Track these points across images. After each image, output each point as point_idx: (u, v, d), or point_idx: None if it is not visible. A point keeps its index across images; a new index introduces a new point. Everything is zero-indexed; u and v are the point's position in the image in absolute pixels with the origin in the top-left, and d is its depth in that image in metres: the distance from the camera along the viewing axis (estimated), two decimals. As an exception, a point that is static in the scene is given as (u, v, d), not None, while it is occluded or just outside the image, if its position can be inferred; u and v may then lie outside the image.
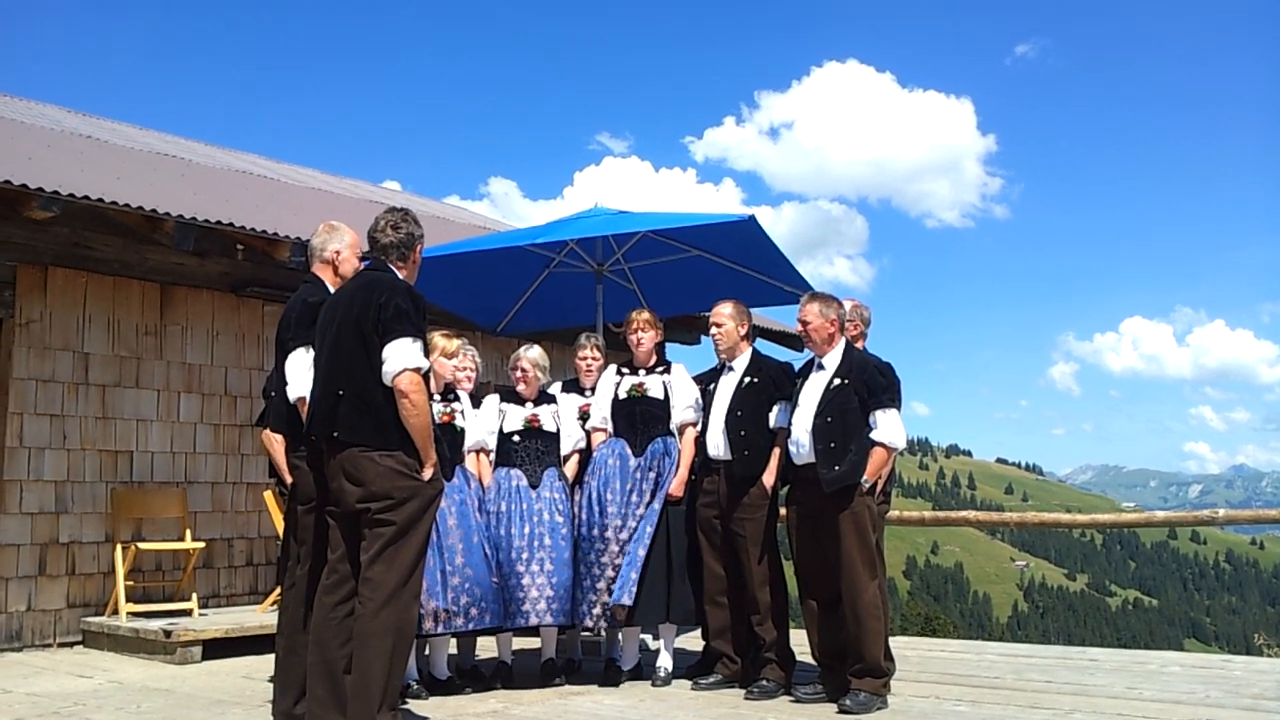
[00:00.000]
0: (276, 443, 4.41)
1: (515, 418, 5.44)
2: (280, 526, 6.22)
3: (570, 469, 5.56)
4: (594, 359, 5.71)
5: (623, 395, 5.46)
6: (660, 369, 5.55)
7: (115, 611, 6.69)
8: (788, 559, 5.22)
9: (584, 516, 5.36)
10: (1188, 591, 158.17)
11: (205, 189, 8.92)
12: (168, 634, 6.20)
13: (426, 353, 3.95)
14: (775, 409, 5.15)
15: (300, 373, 4.16)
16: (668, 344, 7.78)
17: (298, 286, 4.49)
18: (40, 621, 6.66)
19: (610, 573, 5.20)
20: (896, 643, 5.44)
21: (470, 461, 5.38)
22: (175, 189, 8.31)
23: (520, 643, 5.79)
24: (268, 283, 7.84)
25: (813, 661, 5.06)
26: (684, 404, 5.43)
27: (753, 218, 5.83)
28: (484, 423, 5.43)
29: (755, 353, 5.39)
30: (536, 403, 5.52)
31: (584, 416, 5.61)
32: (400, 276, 4.03)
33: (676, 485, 5.30)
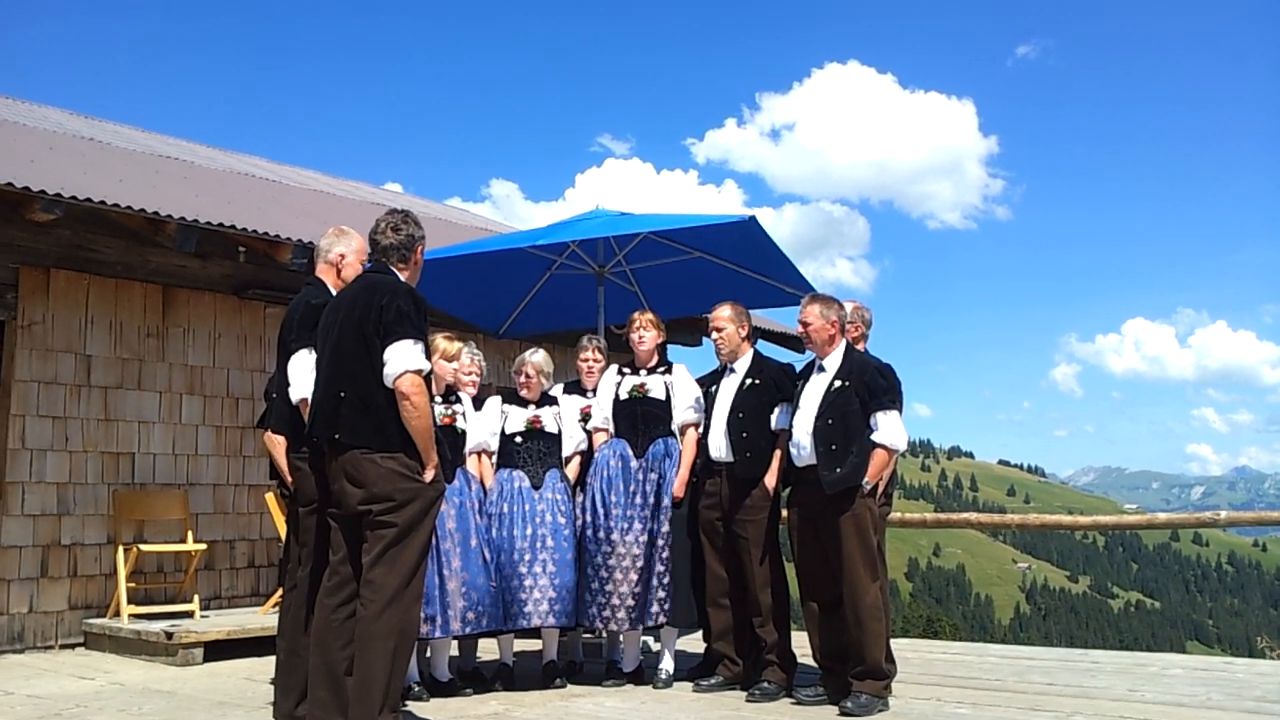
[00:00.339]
0: (278, 445, 4.42)
1: (517, 419, 5.45)
2: (282, 528, 6.23)
3: (572, 470, 5.56)
4: (596, 361, 5.72)
5: (624, 396, 5.46)
6: (661, 369, 5.55)
7: (117, 613, 6.70)
8: (789, 561, 5.21)
9: (587, 519, 5.35)
10: (1190, 594, 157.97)
11: (207, 191, 8.93)
12: (169, 636, 6.20)
13: (428, 355, 3.95)
14: (777, 411, 5.15)
15: (302, 374, 4.17)
16: (669, 346, 7.79)
17: (300, 289, 4.50)
18: (42, 623, 6.67)
19: (619, 575, 5.19)
20: (898, 645, 5.43)
21: (472, 463, 5.38)
22: (177, 191, 8.33)
23: (522, 645, 5.80)
24: (270, 285, 7.85)
25: (814, 664, 5.05)
26: (685, 404, 5.43)
27: (753, 218, 5.83)
28: (486, 424, 5.43)
29: (757, 354, 5.39)
30: (539, 404, 5.52)
31: (586, 418, 5.61)
32: (402, 278, 4.03)
33: (678, 486, 5.30)
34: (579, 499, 5.48)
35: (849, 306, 5.31)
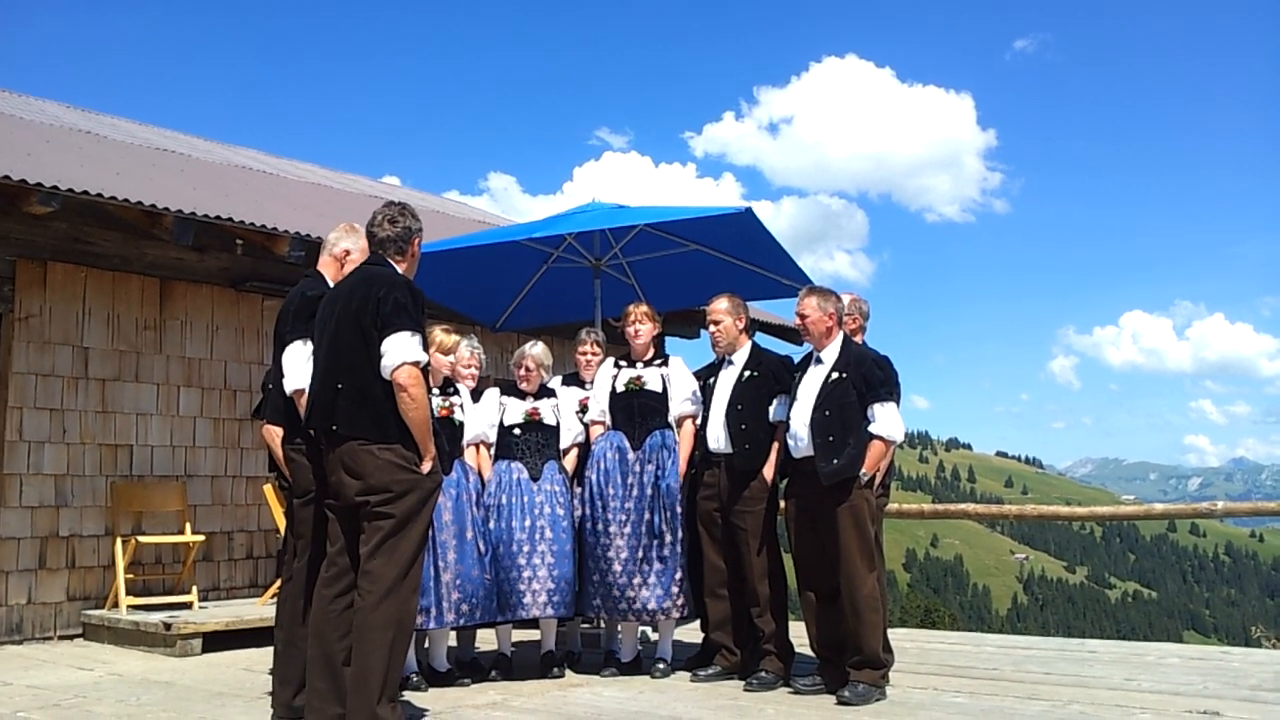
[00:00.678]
0: (276, 436, 4.42)
1: (515, 411, 5.46)
2: (281, 520, 6.24)
3: (570, 462, 5.57)
4: (594, 353, 5.73)
5: (620, 388, 5.46)
6: (658, 362, 5.55)
7: (115, 604, 6.71)
8: (787, 552, 5.23)
9: (586, 511, 5.37)
10: (1187, 584, 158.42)
11: (204, 184, 8.92)
12: (168, 627, 6.22)
13: (425, 347, 3.96)
14: (775, 403, 5.16)
15: (297, 365, 4.17)
16: (667, 338, 7.78)
17: (297, 281, 4.50)
18: (40, 614, 6.68)
19: (617, 566, 5.20)
20: (895, 635, 5.45)
21: (470, 454, 5.39)
22: (174, 184, 8.32)
23: (520, 635, 5.81)
24: (267, 277, 7.85)
25: (811, 653, 5.07)
26: (682, 396, 5.44)
27: (749, 210, 5.82)
28: (484, 416, 5.43)
29: (755, 346, 5.39)
30: (537, 396, 5.53)
31: (584, 410, 5.62)
32: (399, 271, 4.03)
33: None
34: (577, 491, 5.49)
35: (846, 299, 5.31)
